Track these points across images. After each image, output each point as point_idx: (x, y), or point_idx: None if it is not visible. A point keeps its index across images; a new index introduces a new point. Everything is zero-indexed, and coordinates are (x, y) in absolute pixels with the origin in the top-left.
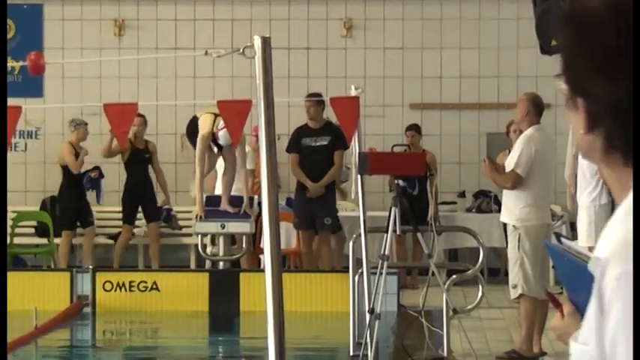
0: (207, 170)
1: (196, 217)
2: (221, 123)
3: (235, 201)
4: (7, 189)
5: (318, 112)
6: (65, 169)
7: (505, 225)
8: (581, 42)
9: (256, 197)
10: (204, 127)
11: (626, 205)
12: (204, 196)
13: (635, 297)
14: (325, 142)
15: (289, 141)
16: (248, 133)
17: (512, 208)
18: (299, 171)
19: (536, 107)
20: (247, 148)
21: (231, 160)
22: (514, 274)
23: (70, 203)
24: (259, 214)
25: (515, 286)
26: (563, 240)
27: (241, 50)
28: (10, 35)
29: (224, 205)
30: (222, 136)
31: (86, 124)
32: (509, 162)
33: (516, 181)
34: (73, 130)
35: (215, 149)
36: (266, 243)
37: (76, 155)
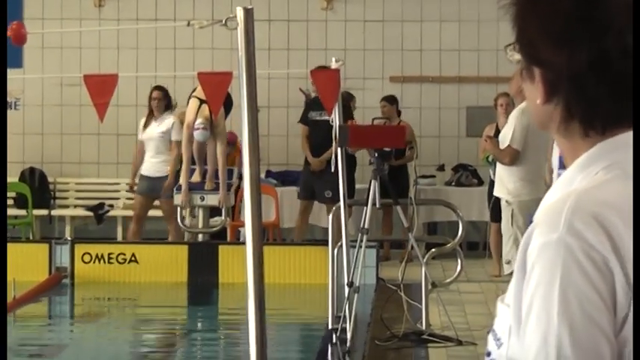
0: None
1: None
2: (197, 122)
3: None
4: (7, 183)
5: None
6: None
7: (499, 199)
8: (535, 9)
9: (236, 169)
10: (188, 115)
11: (565, 175)
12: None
13: (635, 296)
14: (328, 117)
15: (302, 112)
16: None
17: (506, 182)
18: (304, 144)
19: None
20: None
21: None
22: (508, 250)
23: None
24: (238, 187)
25: (509, 262)
26: None
27: (223, 21)
28: None
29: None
30: (198, 134)
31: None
32: (504, 137)
33: (514, 156)
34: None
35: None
36: (247, 215)
37: None
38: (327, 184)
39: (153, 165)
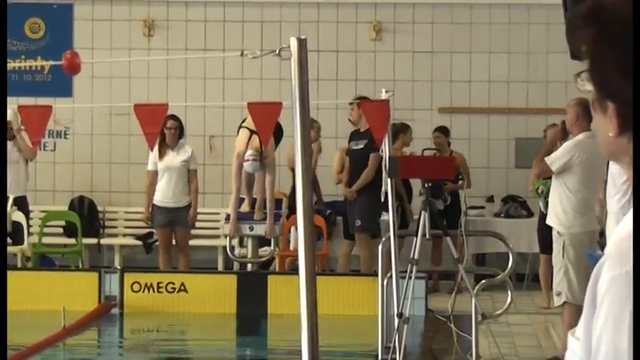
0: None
1: (227, 236)
2: (248, 153)
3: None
4: (6, 188)
5: (359, 115)
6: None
7: (550, 231)
8: (610, 40)
9: (284, 199)
10: (238, 145)
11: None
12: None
13: (635, 296)
14: (361, 146)
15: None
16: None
17: (559, 213)
18: (344, 174)
19: (586, 112)
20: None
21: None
22: (558, 281)
23: None
24: (288, 216)
25: (559, 294)
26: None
27: (277, 52)
28: (40, 35)
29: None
30: (248, 166)
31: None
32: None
33: (542, 171)
34: None
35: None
36: (300, 245)
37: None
38: (355, 213)
39: (174, 195)
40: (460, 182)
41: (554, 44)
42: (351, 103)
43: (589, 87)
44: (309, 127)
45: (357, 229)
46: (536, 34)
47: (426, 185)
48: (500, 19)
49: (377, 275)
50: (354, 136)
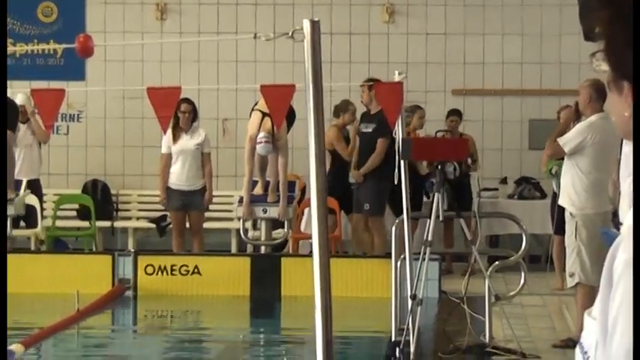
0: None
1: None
2: (260, 135)
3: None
4: (6, 182)
5: (370, 98)
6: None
7: (563, 212)
8: (621, 27)
9: (298, 181)
10: (251, 128)
11: None
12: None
13: (635, 290)
14: (370, 130)
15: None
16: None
17: (571, 193)
18: (353, 156)
19: (599, 93)
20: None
21: (273, 156)
22: (571, 263)
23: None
24: (301, 199)
25: (572, 275)
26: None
27: (290, 34)
28: (52, 18)
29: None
30: (261, 148)
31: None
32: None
33: (554, 152)
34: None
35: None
36: (314, 227)
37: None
38: (363, 197)
39: (188, 178)
40: (472, 165)
41: (567, 26)
42: (362, 85)
43: (604, 67)
44: (321, 108)
45: (365, 212)
46: (549, 15)
47: (439, 167)
48: (513, 0)
49: (390, 257)
50: (364, 118)
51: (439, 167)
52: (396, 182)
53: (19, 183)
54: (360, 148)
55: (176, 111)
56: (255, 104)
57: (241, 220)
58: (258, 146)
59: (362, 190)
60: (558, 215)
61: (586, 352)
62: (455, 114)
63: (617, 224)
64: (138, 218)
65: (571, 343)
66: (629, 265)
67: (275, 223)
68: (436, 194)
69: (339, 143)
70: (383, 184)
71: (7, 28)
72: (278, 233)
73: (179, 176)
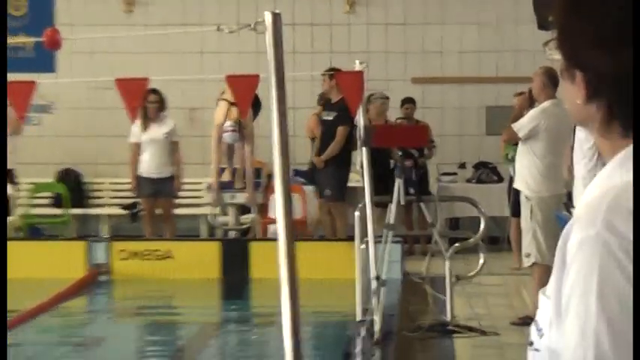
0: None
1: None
2: (227, 124)
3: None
4: (6, 181)
5: (331, 87)
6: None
7: (519, 195)
8: (577, 10)
9: (264, 168)
10: (218, 117)
11: (605, 170)
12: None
13: (635, 291)
14: (331, 118)
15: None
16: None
17: (526, 176)
18: (316, 141)
19: (552, 80)
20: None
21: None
22: (527, 243)
23: None
24: (268, 185)
25: (528, 255)
26: (573, 210)
27: (252, 26)
28: (22, 13)
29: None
30: (228, 136)
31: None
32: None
33: (509, 137)
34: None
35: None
36: (278, 212)
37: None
38: (324, 183)
39: (157, 166)
40: (429, 151)
41: (523, 15)
42: (323, 75)
43: (557, 56)
44: (285, 99)
45: (326, 197)
46: (505, 5)
47: (399, 154)
48: None
49: (353, 240)
50: (326, 106)
51: (400, 154)
52: (357, 168)
53: None
54: (322, 136)
55: (144, 101)
56: (222, 94)
57: (210, 207)
58: (225, 135)
59: (322, 176)
60: (514, 198)
61: (540, 330)
62: (409, 102)
63: (570, 207)
64: (110, 205)
65: (529, 321)
66: (582, 245)
67: (243, 209)
68: (397, 180)
69: (318, 131)
70: (343, 171)
71: (7, 26)
72: (246, 218)
73: (149, 164)
